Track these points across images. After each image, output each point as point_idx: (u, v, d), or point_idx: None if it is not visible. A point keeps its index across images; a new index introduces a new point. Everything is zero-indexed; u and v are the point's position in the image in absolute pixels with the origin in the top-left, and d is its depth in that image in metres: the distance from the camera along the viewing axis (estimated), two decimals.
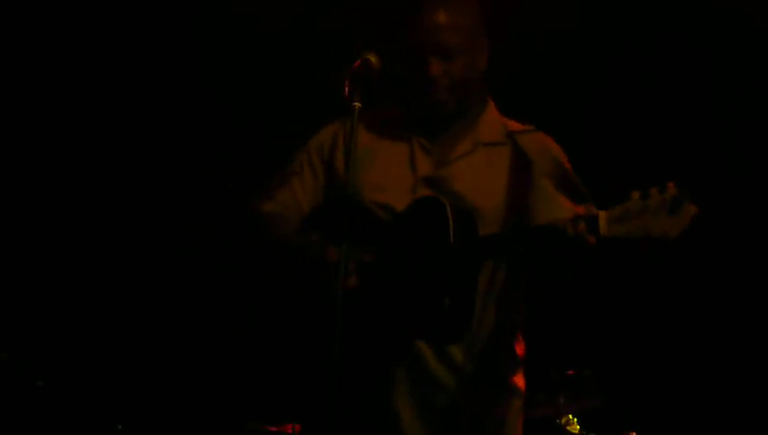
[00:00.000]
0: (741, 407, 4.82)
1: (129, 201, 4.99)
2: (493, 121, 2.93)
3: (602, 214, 2.40)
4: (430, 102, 2.82)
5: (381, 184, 2.84)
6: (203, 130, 5.01)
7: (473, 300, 2.63)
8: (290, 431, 4.19)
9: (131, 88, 4.96)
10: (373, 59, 2.65)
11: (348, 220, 2.54)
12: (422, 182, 2.82)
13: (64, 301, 4.92)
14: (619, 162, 4.67)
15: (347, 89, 2.60)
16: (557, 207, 2.76)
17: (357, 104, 2.58)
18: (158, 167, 5.02)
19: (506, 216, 2.78)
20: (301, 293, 2.80)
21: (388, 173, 2.86)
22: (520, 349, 2.86)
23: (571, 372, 4.47)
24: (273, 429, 4.23)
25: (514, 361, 2.84)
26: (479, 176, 2.82)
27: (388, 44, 2.81)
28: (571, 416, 4.52)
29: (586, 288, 4.65)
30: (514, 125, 2.94)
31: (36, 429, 4.09)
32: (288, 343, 2.84)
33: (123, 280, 4.96)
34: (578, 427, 4.50)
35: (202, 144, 5.06)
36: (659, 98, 4.85)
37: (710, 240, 4.73)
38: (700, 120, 4.83)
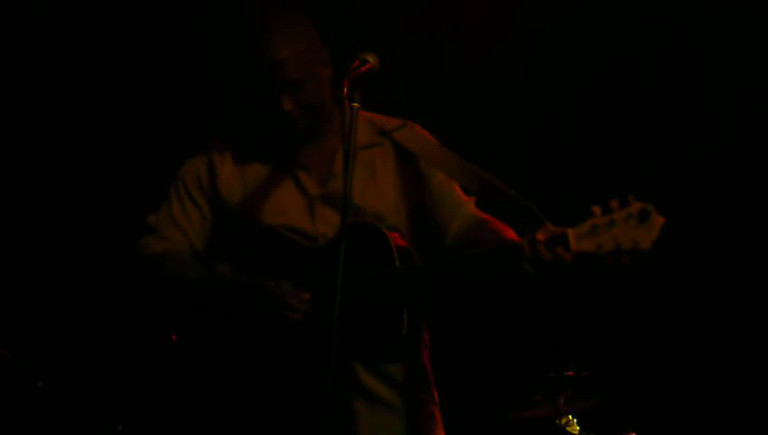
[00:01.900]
0: (741, 407, 4.82)
1: (129, 201, 4.98)
2: (360, 123, 2.85)
3: (570, 231, 2.42)
4: (289, 133, 2.80)
5: (277, 207, 2.83)
6: (202, 129, 5.00)
7: (421, 320, 2.68)
8: None
9: (131, 88, 4.95)
10: (372, 59, 2.64)
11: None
12: (318, 200, 2.82)
13: (65, 301, 4.91)
14: (619, 162, 4.67)
15: (346, 89, 2.59)
16: (456, 198, 2.81)
17: (356, 104, 2.57)
18: (158, 167, 5.00)
19: (407, 214, 2.81)
20: (244, 327, 2.79)
21: (279, 195, 2.85)
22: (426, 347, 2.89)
23: (570, 373, 4.48)
24: None
25: (426, 353, 2.88)
26: (369, 180, 2.83)
27: (232, 78, 2.77)
28: (570, 416, 4.52)
29: (584, 289, 4.66)
30: (382, 120, 2.92)
31: (37, 429, 4.09)
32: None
33: (123, 280, 4.95)
34: (578, 428, 4.50)
35: (201, 144, 5.04)
36: (658, 98, 4.85)
37: (709, 240, 4.74)
38: (700, 120, 4.83)
